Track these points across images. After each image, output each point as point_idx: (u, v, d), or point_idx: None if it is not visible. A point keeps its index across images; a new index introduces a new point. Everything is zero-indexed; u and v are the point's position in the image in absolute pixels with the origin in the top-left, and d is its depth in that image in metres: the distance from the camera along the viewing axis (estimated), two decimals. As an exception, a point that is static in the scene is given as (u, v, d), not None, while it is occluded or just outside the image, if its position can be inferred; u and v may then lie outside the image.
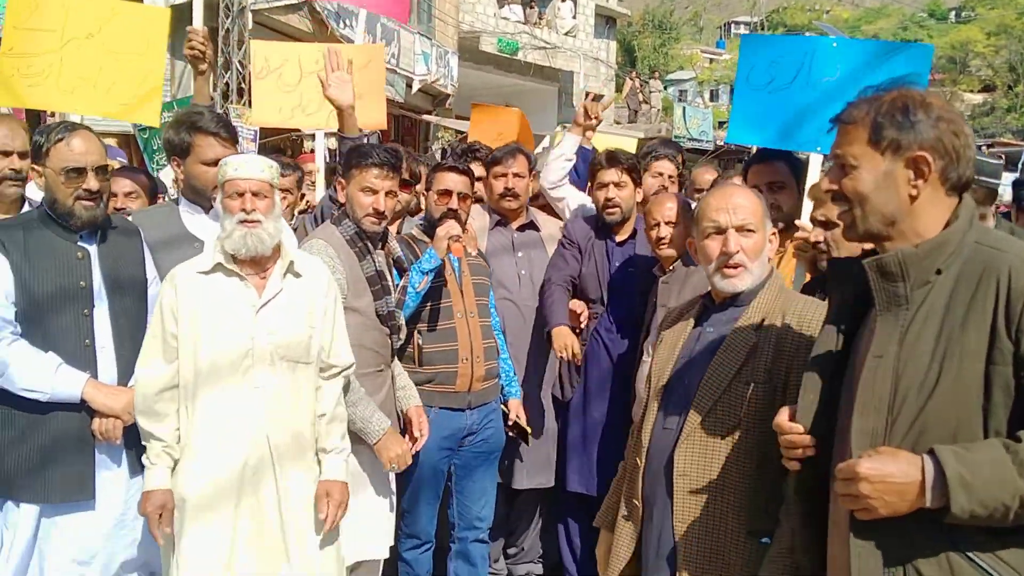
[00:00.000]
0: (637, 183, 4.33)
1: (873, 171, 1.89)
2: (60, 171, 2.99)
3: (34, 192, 3.44)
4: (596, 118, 4.78)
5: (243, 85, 11.96)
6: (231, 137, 3.55)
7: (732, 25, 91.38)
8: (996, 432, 1.74)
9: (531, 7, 23.85)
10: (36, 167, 3.07)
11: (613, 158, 4.27)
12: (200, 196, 3.48)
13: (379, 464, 3.46)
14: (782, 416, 2.08)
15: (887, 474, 1.72)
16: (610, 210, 4.23)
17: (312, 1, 13.76)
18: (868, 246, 2.02)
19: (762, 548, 2.31)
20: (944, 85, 53.71)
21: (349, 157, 3.57)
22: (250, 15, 12.37)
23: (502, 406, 4.09)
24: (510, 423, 4.08)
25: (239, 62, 12.09)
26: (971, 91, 53.37)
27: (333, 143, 10.31)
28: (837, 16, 68.99)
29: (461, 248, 3.76)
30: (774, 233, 2.70)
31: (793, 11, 76.97)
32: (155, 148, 7.42)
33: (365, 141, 3.79)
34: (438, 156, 16.48)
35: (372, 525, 3.50)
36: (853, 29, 59.30)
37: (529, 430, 4.10)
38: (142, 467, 2.97)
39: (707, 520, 2.46)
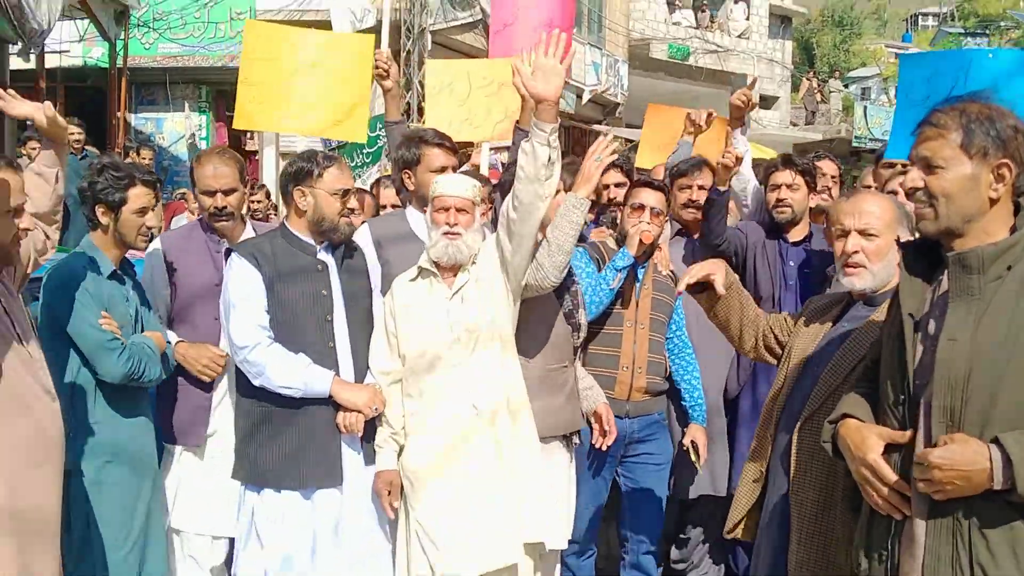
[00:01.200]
0: (811, 187, 4.42)
1: (960, 172, 2.08)
2: (333, 192, 3.41)
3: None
4: (750, 102, 4.85)
5: (423, 104, 12.59)
6: (453, 148, 3.90)
7: (919, 17, 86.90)
8: None
9: (702, 11, 23.66)
10: (301, 188, 3.41)
11: (788, 160, 4.44)
12: (426, 203, 3.76)
13: (566, 455, 3.66)
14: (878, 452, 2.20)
15: (956, 462, 1.94)
16: (781, 209, 4.36)
17: (486, 19, 14.30)
18: None
19: None
20: None
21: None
22: (429, 36, 13.01)
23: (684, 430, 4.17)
24: (684, 448, 4.13)
25: (419, 82, 12.71)
26: None
27: (505, 157, 10.72)
28: (1038, 2, 64.18)
29: (650, 235, 3.92)
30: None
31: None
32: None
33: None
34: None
35: (558, 513, 3.59)
36: (1056, 15, 54.97)
37: (698, 460, 4.11)
38: (375, 456, 3.39)
39: (817, 495, 2.70)
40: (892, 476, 2.14)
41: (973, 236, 2.09)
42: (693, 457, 4.10)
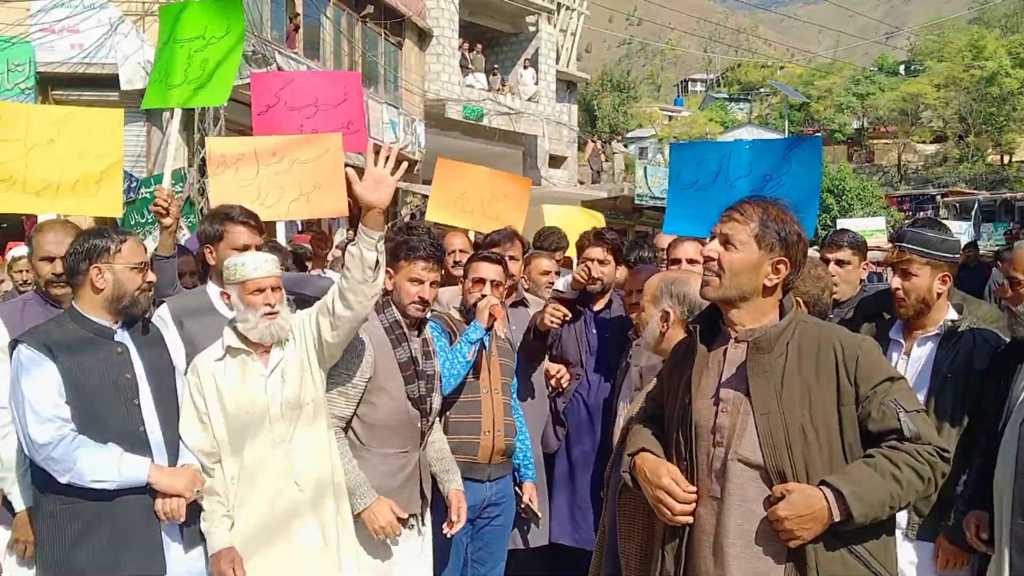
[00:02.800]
0: (619, 260, 4.75)
1: (748, 256, 2.46)
2: (133, 266, 3.28)
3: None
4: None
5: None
6: (258, 226, 3.84)
7: (689, 83, 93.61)
8: (851, 453, 2.33)
9: (494, 75, 24.47)
10: (98, 265, 3.25)
11: (600, 237, 4.72)
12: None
13: (406, 533, 3.65)
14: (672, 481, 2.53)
15: (799, 509, 2.26)
16: (593, 283, 4.68)
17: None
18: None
19: None
20: (896, 137, 54.96)
21: (398, 250, 3.76)
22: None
23: (516, 487, 4.35)
24: (522, 505, 4.35)
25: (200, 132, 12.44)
26: (923, 142, 54.51)
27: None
28: (791, 72, 70.67)
29: (501, 311, 4.07)
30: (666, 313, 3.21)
31: (747, 68, 78.88)
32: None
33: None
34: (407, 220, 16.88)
35: None
36: (807, 84, 60.69)
37: (539, 515, 4.40)
38: (197, 540, 3.26)
39: (639, 546, 2.93)
40: (683, 490, 2.45)
41: (746, 312, 2.49)
42: (537, 512, 4.36)
